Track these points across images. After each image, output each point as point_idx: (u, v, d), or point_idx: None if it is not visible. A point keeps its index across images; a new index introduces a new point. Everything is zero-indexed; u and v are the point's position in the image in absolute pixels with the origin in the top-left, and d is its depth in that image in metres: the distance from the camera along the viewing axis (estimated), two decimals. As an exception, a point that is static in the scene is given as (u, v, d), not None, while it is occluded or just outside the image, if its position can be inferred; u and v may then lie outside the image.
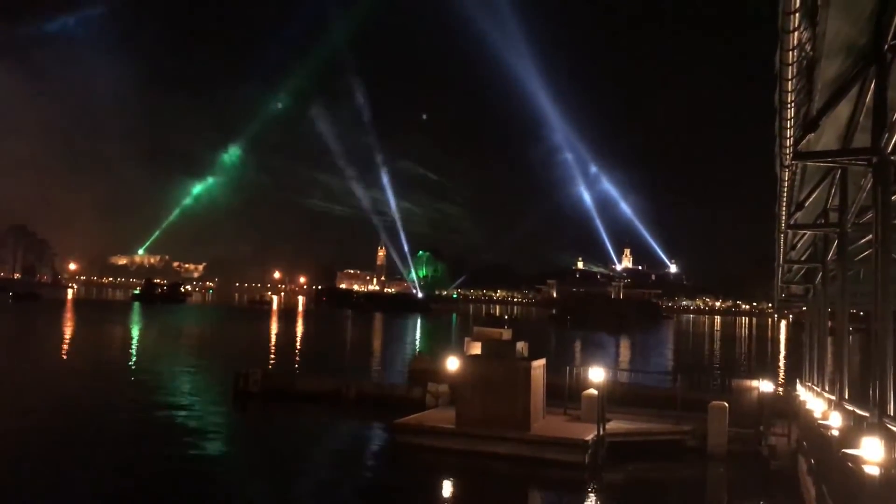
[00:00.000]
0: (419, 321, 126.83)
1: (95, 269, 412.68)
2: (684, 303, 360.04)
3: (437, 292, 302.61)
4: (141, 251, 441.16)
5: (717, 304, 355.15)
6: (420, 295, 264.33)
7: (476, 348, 24.54)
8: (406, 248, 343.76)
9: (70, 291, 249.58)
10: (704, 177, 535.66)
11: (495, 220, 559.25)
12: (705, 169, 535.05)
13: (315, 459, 21.63)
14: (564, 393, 24.91)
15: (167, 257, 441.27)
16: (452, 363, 24.67)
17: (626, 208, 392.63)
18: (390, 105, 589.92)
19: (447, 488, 19.17)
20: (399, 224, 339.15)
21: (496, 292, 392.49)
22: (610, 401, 23.47)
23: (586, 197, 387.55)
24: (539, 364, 22.94)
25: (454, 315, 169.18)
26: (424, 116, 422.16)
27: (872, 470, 8.18)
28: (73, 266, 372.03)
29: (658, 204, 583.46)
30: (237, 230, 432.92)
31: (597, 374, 23.42)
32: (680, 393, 24.74)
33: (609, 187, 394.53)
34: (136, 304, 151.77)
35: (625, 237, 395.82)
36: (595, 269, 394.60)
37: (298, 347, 62.56)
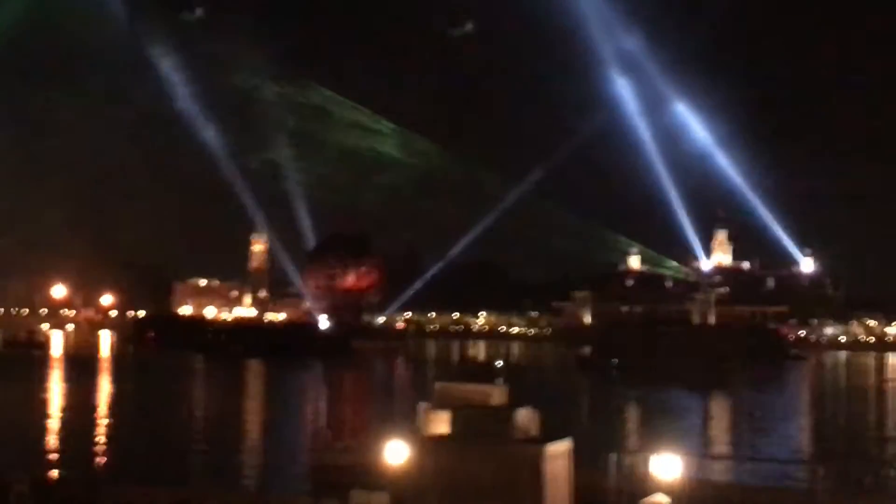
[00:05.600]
0: (331, 373, 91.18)
1: None
2: (830, 330, 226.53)
3: (366, 319, 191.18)
4: None
5: (892, 330, 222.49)
6: (330, 325, 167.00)
7: (442, 422, 16.51)
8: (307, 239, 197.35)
9: None
10: (867, 114, 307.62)
11: (475, 187, 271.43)
12: (868, 100, 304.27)
13: None
14: (607, 501, 18.68)
15: None
16: (397, 452, 17.96)
17: (723, 161, 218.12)
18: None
19: None
20: (298, 196, 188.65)
21: (477, 317, 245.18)
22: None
23: (647, 140, 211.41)
24: (561, 450, 16.06)
25: (399, 360, 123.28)
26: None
27: None
28: None
29: (782, 156, 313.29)
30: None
31: (670, 467, 17.49)
32: (823, 497, 17.90)
33: (692, 124, 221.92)
34: None
35: (718, 212, 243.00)
36: (663, 268, 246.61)
37: (106, 431, 43.99)
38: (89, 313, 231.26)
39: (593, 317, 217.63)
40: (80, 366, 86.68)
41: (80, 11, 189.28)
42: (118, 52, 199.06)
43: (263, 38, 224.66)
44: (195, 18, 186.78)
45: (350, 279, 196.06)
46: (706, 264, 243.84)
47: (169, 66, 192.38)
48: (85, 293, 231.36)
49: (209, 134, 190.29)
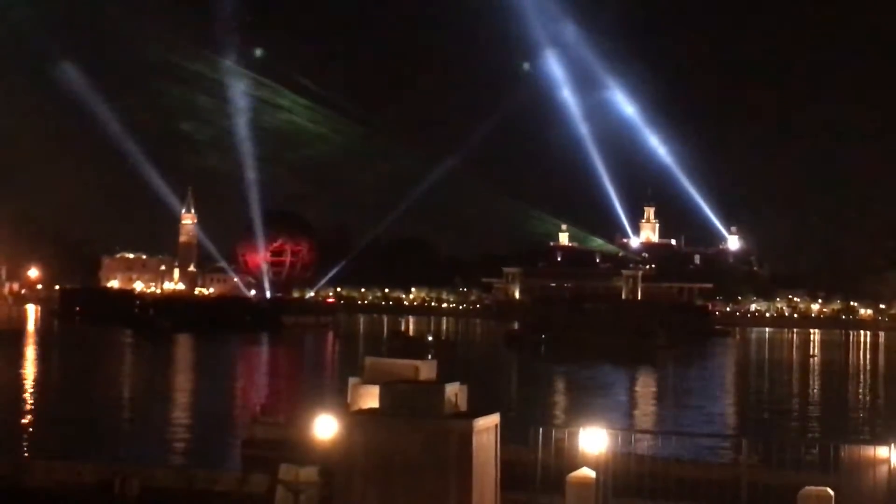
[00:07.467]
0: (264, 348, 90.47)
1: None
2: (755, 307, 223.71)
3: (297, 293, 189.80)
4: None
5: (816, 307, 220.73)
6: (261, 300, 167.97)
7: (371, 397, 16.50)
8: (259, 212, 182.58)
9: None
10: (793, 93, 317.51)
11: (408, 162, 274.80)
12: (795, 78, 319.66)
13: None
14: (534, 475, 17.62)
15: None
16: (326, 427, 17.41)
17: (651, 139, 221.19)
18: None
19: None
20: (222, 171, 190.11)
21: (408, 292, 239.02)
22: (620, 488, 17.22)
23: (577, 117, 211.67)
24: (488, 424, 15.67)
25: (330, 335, 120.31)
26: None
27: None
28: None
29: (709, 134, 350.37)
30: None
31: (595, 441, 17.24)
32: (746, 472, 17.23)
33: (622, 101, 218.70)
34: None
35: (647, 190, 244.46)
36: (592, 245, 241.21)
37: (30, 407, 41.56)
38: (14, 287, 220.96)
39: (522, 292, 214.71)
40: (5, 340, 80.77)
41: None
42: (19, 12, 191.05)
43: (172, 11, 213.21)
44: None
45: (286, 255, 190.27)
46: (634, 241, 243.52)
47: (78, 39, 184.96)
48: (10, 266, 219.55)
49: (126, 106, 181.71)
